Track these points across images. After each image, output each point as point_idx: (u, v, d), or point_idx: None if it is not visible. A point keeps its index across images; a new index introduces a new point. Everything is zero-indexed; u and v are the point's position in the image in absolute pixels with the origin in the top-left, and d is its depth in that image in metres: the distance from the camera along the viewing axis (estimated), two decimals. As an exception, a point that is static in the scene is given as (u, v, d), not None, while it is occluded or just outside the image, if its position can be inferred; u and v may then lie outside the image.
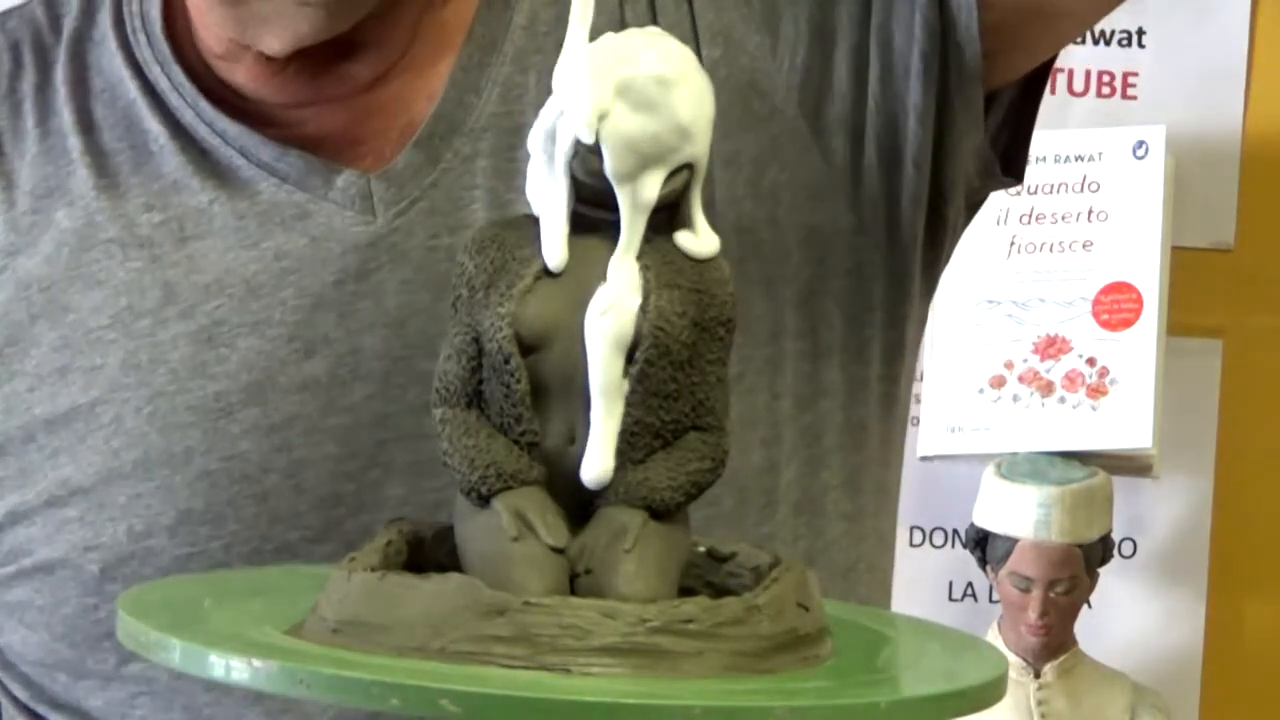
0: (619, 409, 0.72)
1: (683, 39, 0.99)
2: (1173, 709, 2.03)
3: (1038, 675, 1.97)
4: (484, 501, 0.72)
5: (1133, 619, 2.12)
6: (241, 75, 1.00)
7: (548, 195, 0.73)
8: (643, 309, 0.71)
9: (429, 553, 0.76)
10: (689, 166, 0.72)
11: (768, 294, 1.00)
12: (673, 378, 0.72)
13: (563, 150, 0.72)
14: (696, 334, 0.73)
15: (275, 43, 0.96)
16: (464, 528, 0.74)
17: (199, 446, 0.95)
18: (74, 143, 1.01)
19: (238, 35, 0.97)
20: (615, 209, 0.72)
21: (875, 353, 1.03)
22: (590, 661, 0.66)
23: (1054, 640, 1.97)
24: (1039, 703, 1.97)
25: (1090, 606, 2.01)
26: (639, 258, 0.72)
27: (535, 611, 0.67)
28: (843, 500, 1.02)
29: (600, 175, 0.72)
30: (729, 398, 0.75)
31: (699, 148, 0.72)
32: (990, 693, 0.71)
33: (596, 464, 0.72)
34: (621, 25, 0.98)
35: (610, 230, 0.72)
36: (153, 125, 1.00)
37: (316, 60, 0.98)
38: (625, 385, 0.72)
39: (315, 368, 0.96)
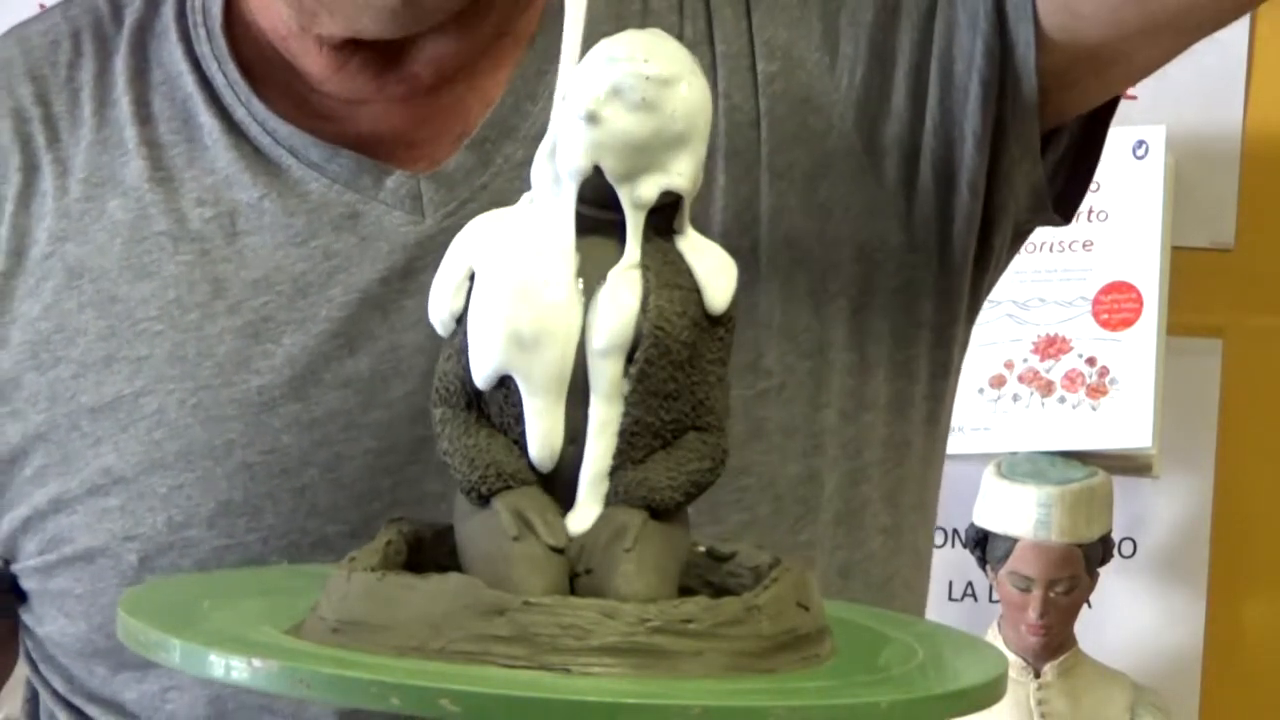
0: (619, 409, 0.72)
1: (740, 53, 1.00)
2: (1173, 709, 2.03)
3: (1038, 675, 1.97)
4: (484, 501, 0.72)
5: (1133, 619, 2.12)
6: (310, 62, 1.01)
7: (551, 219, 0.72)
8: (643, 309, 0.71)
9: (429, 553, 0.77)
10: (678, 195, 0.72)
11: (815, 307, 1.00)
12: (673, 378, 0.72)
13: (567, 168, 0.72)
14: (696, 334, 0.73)
15: (333, 26, 0.97)
16: (464, 527, 0.74)
17: (240, 439, 0.96)
18: (130, 133, 1.02)
19: (296, 16, 0.98)
20: (615, 208, 0.72)
21: (922, 370, 1.04)
22: (590, 661, 0.66)
23: (1054, 640, 1.97)
24: (1039, 702, 1.97)
25: (1090, 606, 2.01)
26: (639, 257, 0.72)
27: (535, 611, 0.67)
28: (882, 514, 1.03)
29: (599, 174, 0.72)
30: (729, 398, 0.75)
31: (694, 156, 0.72)
32: (990, 693, 0.71)
33: (585, 516, 0.72)
34: (680, 38, 0.98)
35: (610, 229, 0.72)
36: (207, 120, 1.01)
37: (382, 55, 0.99)
38: (625, 385, 0.72)
39: (358, 364, 0.96)
